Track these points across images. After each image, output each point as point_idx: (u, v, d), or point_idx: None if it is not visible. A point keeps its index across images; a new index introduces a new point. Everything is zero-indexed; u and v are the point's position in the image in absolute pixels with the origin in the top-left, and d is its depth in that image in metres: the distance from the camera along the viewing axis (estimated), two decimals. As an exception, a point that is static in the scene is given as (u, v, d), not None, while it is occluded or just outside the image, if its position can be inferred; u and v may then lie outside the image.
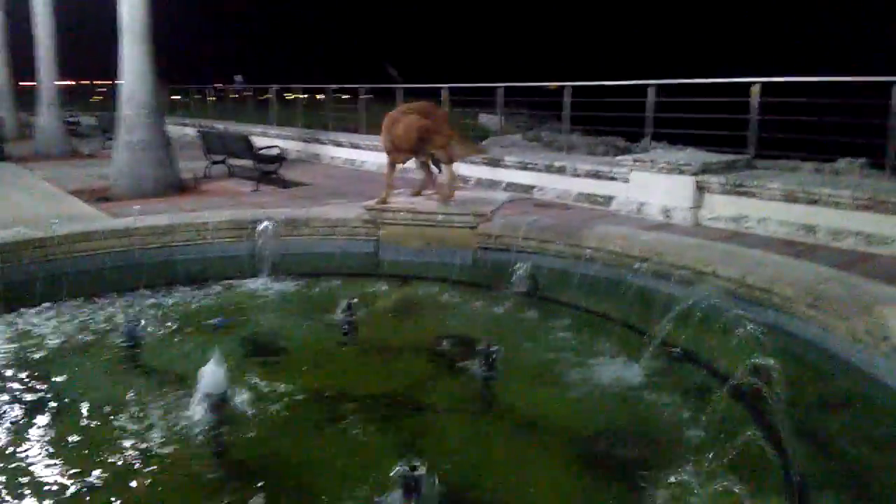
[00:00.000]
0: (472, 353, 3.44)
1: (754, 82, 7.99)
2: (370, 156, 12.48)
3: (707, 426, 2.78)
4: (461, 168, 10.66)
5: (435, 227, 5.16)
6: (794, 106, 8.02)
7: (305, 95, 18.50)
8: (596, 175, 8.43)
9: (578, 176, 8.64)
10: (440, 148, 5.35)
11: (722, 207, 7.24)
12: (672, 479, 2.40)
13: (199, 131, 12.02)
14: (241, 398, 3.01)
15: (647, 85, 9.01)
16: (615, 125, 10.02)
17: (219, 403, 2.86)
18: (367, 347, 3.84)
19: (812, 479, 2.46)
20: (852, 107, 7.59)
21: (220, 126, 15.96)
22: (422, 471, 2.14)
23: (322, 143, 13.97)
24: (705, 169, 7.41)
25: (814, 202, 6.62)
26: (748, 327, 3.26)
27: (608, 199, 8.17)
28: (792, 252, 6.08)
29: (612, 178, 8.22)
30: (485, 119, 15.40)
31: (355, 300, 4.08)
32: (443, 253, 5.09)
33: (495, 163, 9.66)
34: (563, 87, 10.45)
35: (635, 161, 7.78)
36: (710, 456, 2.49)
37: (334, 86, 15.86)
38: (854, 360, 3.31)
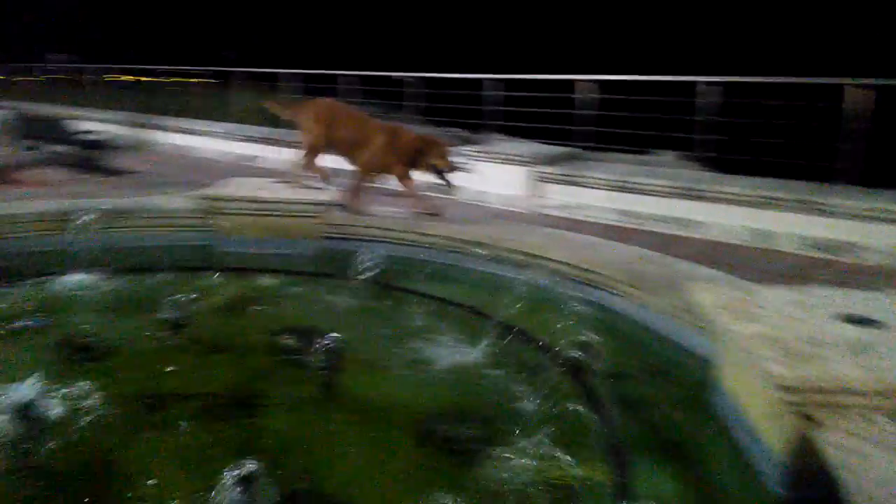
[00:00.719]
0: (313, 345, 3.37)
1: (594, 80, 8.53)
2: (205, 142, 11.86)
3: (539, 400, 2.92)
4: (286, 154, 10.43)
5: (276, 216, 4.99)
6: (625, 102, 8.67)
7: (143, 78, 17.19)
8: (440, 165, 8.58)
9: (424, 165, 8.76)
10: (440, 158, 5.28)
11: (557, 196, 7.67)
12: (505, 453, 2.50)
13: (10, 115, 10.77)
14: (55, 405, 2.73)
15: (484, 79, 9.33)
16: (460, 117, 10.26)
17: (25, 412, 2.58)
18: (201, 345, 3.63)
19: (630, 443, 2.67)
20: (671, 104, 8.33)
21: (44, 109, 14.38)
22: (255, 470, 2.05)
23: (155, 128, 13.06)
24: (542, 160, 7.81)
25: (636, 191, 7.21)
26: (576, 306, 3.49)
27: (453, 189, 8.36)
28: (618, 236, 6.59)
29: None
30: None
31: (188, 296, 3.84)
32: (284, 243, 4.94)
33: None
34: (407, 77, 10.54)
35: (477, 152, 8.02)
36: (539, 427, 2.62)
37: (167, 67, 14.89)
38: (667, 332, 3.65)
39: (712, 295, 2.91)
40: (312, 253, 4.92)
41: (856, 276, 5.47)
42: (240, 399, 3.02)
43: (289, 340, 3.61)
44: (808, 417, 2.20)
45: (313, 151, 5.47)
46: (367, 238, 4.84)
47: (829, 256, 5.92)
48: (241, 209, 5.03)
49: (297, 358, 3.38)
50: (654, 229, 7.01)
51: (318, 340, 3.28)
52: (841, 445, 2.00)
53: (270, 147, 10.88)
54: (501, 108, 9.65)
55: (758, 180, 6.85)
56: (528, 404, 2.94)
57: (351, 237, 4.90)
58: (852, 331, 2.47)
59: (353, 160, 5.38)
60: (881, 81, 6.67)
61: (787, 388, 2.15)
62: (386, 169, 5.36)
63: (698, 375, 3.17)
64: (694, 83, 7.79)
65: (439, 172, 5.30)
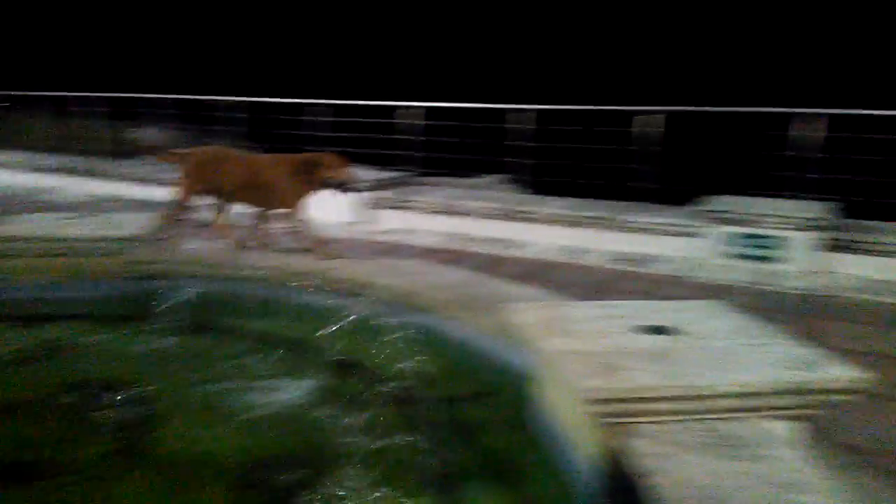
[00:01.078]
0: (115, 400, 3.03)
1: (419, 107, 8.68)
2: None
3: (366, 435, 2.84)
4: (89, 186, 9.57)
5: (72, 256, 4.48)
6: (453, 128, 8.93)
7: None
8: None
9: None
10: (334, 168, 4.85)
11: (390, 221, 7.69)
12: (330, 495, 2.38)
13: None
14: None
15: (306, 104, 9.21)
16: (283, 142, 9.98)
17: None
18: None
19: (458, 470, 2.66)
20: (492, 129, 8.71)
21: None
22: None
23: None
24: (376, 186, 7.80)
25: (464, 214, 7.41)
26: (404, 333, 3.46)
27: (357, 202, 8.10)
28: (448, 258, 6.71)
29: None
30: (146, 133, 14.11)
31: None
32: (82, 285, 4.44)
33: (147, 181, 8.94)
34: (240, 102, 10.15)
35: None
36: (366, 464, 2.54)
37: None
38: (496, 353, 3.72)
39: (530, 314, 3.00)
40: (115, 294, 4.46)
41: (654, 284, 6.00)
42: (26, 467, 2.63)
43: (86, 395, 3.22)
44: (618, 426, 2.32)
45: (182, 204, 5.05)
46: (177, 275, 4.48)
47: (630, 268, 6.46)
48: (30, 249, 4.46)
49: (97, 415, 3.02)
50: (480, 250, 7.24)
51: (121, 393, 2.96)
52: (648, 451, 2.12)
53: (69, 178, 9.92)
54: (328, 134, 9.55)
55: (570, 201, 7.34)
56: (356, 440, 2.85)
57: (158, 275, 4.50)
58: (650, 340, 2.65)
59: (252, 202, 5.02)
60: (669, 109, 7.44)
61: (597, 401, 2.25)
62: (285, 201, 4.88)
63: (522, 394, 3.26)
64: (504, 111, 8.22)
65: (338, 186, 4.86)
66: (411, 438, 2.82)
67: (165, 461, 2.77)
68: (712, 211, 6.19)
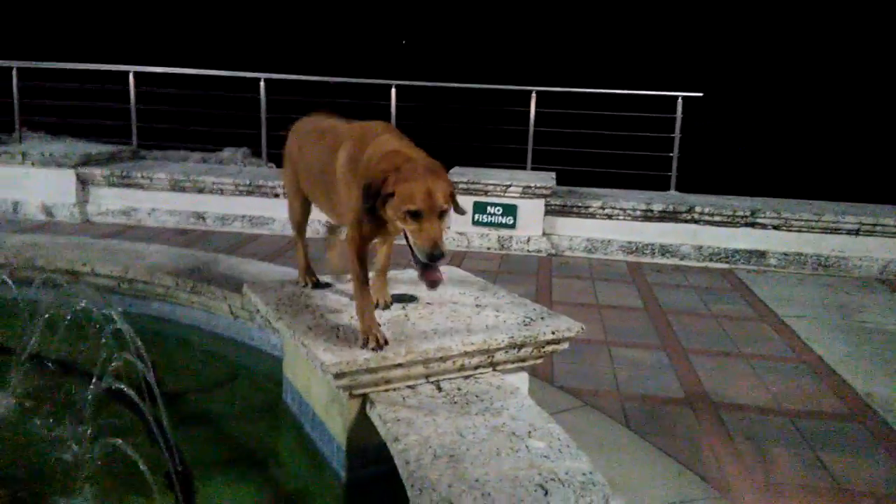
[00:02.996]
0: None
1: (128, 70, 7.78)
2: None
3: (87, 441, 2.48)
4: None
5: None
6: (176, 97, 8.17)
7: None
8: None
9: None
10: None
11: (109, 201, 6.86)
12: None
13: None
14: None
15: (7, 66, 7.83)
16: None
17: None
18: None
19: (200, 463, 2.45)
20: (235, 99, 8.16)
21: None
22: None
23: None
24: (87, 161, 6.88)
25: (201, 190, 6.88)
26: (130, 323, 3.07)
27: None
28: (184, 240, 6.20)
29: (-26, 174, 6.86)
30: None
31: None
32: None
33: None
34: None
35: (1, 154, 6.66)
36: (89, 474, 2.22)
37: None
38: (236, 336, 3.51)
39: (270, 294, 2.85)
40: None
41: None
42: None
43: None
44: (361, 397, 2.30)
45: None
46: None
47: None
48: None
49: None
50: (224, 229, 6.81)
51: None
52: (391, 417, 2.12)
53: None
54: (38, 101, 8.21)
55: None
56: (76, 448, 2.48)
57: None
58: (395, 308, 2.67)
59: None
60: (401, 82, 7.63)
61: (339, 374, 2.20)
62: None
63: (270, 376, 3.11)
64: (257, 80, 7.77)
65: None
66: (143, 438, 2.53)
67: None
68: (455, 182, 6.50)
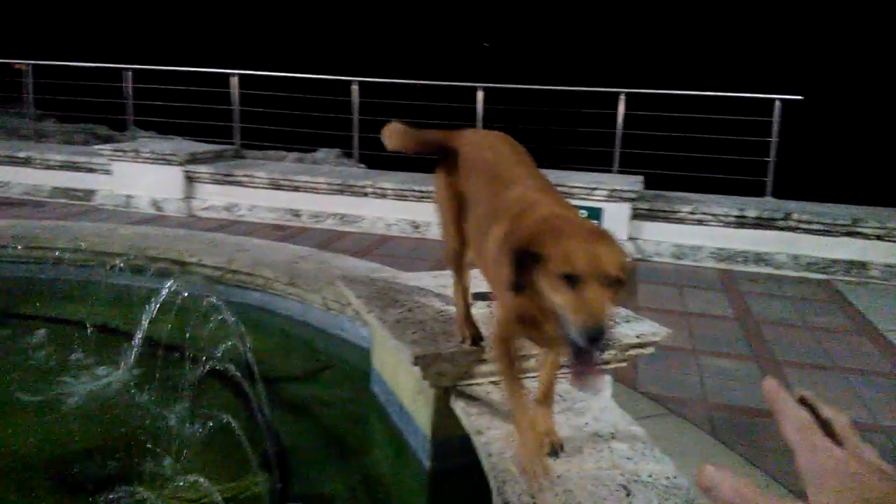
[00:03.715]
0: None
1: (233, 74, 8.22)
2: None
3: (193, 419, 2.69)
4: None
5: None
6: (275, 99, 8.56)
7: None
8: (73, 167, 7.51)
9: (51, 168, 7.57)
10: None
11: (213, 197, 7.28)
12: (153, 483, 2.23)
13: None
14: None
15: (123, 69, 8.42)
16: (95, 111, 9.08)
17: None
18: None
19: (294, 445, 2.61)
20: (326, 101, 8.48)
21: None
22: None
23: None
24: (194, 159, 7.32)
25: (296, 189, 7.20)
26: (232, 311, 3.29)
27: (90, 194, 7.38)
28: (281, 236, 6.50)
29: (92, 170, 7.45)
30: None
31: None
32: None
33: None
34: (26, 65, 9.00)
35: (116, 151, 7.19)
36: (192, 449, 2.40)
37: None
38: (328, 327, 3.67)
39: (362, 287, 2.98)
40: None
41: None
42: None
43: None
44: (446, 390, 2.38)
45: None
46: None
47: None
48: None
49: None
50: (317, 226, 7.10)
51: None
52: (476, 411, 2.19)
53: None
54: (148, 102, 8.81)
55: (409, 175, 7.37)
56: (181, 426, 2.68)
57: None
58: (480, 306, 2.74)
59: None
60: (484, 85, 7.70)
61: (425, 367, 2.29)
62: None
63: (359, 366, 3.25)
64: (349, 82, 8.05)
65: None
66: (242, 420, 2.71)
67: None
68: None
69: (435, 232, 6.76)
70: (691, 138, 7.30)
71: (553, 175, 6.71)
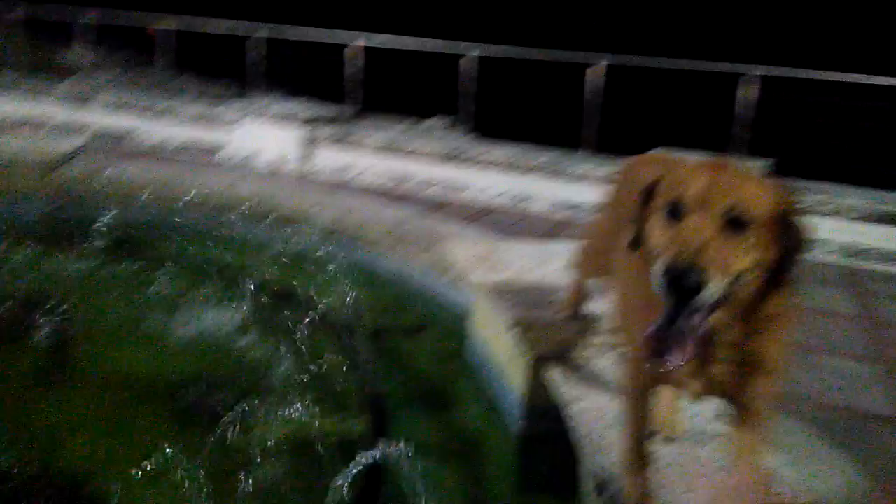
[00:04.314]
0: (38, 317, 2.93)
1: (353, 43, 8.41)
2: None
3: (298, 361, 2.84)
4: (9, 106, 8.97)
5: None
6: (396, 66, 8.72)
7: None
8: (204, 121, 7.99)
9: (184, 121, 8.09)
10: None
11: (329, 158, 7.54)
12: (259, 416, 2.38)
13: None
14: None
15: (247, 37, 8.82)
16: (224, 73, 9.60)
17: None
18: None
19: (391, 396, 2.70)
20: (438, 70, 8.55)
21: None
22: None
23: None
24: (313, 120, 7.60)
25: (407, 154, 7.33)
26: (340, 265, 3.43)
27: (217, 148, 7.84)
28: (388, 199, 6.66)
29: (222, 126, 7.90)
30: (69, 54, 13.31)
31: None
32: (4, 201, 4.22)
33: (80, 101, 8.46)
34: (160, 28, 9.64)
35: (244, 109, 7.58)
36: (296, 388, 2.54)
37: None
38: (429, 288, 3.75)
39: (467, 250, 3.02)
40: (41, 213, 4.26)
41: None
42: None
43: (8, 312, 3.10)
44: (543, 357, 2.38)
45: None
46: (107, 199, 4.30)
47: (577, 217, 6.54)
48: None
49: (19, 331, 2.92)
50: (425, 192, 7.21)
51: (48, 311, 2.87)
52: (566, 382, 2.18)
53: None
54: (269, 64, 9.21)
55: (517, 146, 7.33)
56: (287, 366, 2.84)
57: (88, 197, 4.33)
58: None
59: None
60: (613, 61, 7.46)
61: (525, 330, 2.30)
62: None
63: (455, 326, 3.30)
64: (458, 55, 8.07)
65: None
66: (344, 366, 2.83)
67: (91, 379, 2.71)
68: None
69: (540, 207, 6.70)
70: (828, 124, 6.78)
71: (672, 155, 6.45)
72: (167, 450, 1.65)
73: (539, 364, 2.39)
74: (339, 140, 7.52)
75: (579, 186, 6.68)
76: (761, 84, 6.87)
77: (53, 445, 2.27)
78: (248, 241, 4.17)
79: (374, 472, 2.06)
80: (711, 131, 7.42)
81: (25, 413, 2.47)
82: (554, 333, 2.31)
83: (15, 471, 1.98)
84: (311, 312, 3.21)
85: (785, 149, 6.86)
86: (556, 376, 2.25)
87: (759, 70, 6.87)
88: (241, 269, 3.76)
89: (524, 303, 2.41)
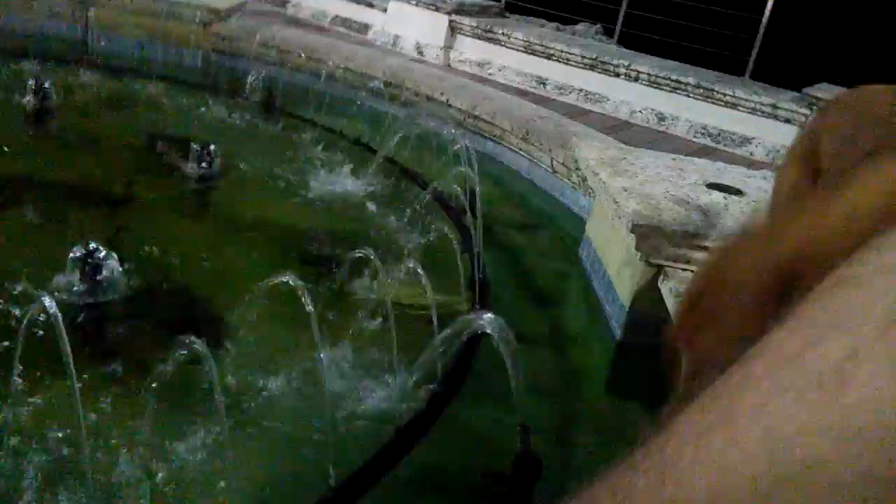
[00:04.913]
0: (190, 154, 3.20)
1: None
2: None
3: (413, 234, 2.95)
4: None
5: (158, 18, 4.53)
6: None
7: None
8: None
9: (336, -3, 8.20)
10: None
11: (470, 51, 7.43)
12: (373, 274, 2.52)
13: None
14: None
15: None
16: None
17: None
18: (64, 137, 3.37)
19: (497, 281, 2.77)
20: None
21: None
22: (103, 253, 1.97)
23: None
24: (460, 9, 7.46)
25: (549, 56, 7.08)
26: (466, 152, 3.46)
27: (365, 27, 7.92)
28: (524, 99, 6.54)
29: (372, 5, 7.94)
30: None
31: (49, 83, 3.49)
32: (168, 49, 4.54)
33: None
34: None
35: (394, -11, 7.56)
36: (409, 257, 2.65)
37: None
38: (550, 189, 3.73)
39: (596, 152, 2.95)
40: (198, 64, 4.55)
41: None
42: (104, 193, 2.86)
43: (164, 146, 3.40)
44: (657, 266, 2.35)
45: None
46: (260, 58, 4.52)
47: (715, 145, 6.17)
48: (120, 5, 4.54)
49: (172, 164, 3.21)
50: (561, 98, 7.00)
51: (196, 149, 3.12)
52: (679, 295, 2.15)
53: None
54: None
55: (666, 62, 6.89)
56: (402, 236, 2.97)
57: (243, 54, 4.55)
58: (715, 196, 2.60)
59: None
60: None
61: (642, 237, 2.26)
62: None
63: (571, 231, 3.29)
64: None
65: None
66: (456, 247, 2.90)
67: (228, 215, 2.97)
68: (819, 99, 5.73)
69: (680, 129, 6.35)
70: None
71: (835, 93, 5.87)
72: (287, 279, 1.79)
73: (651, 274, 2.36)
74: (482, 34, 7.38)
75: (728, 113, 6.24)
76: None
77: (181, 267, 2.51)
78: (380, 115, 4.27)
79: (471, 343, 2.15)
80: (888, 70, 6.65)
81: (167, 235, 2.73)
82: (674, 242, 2.26)
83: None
84: (429, 191, 3.29)
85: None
86: (669, 288, 2.22)
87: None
88: (370, 141, 3.88)
89: (648, 208, 2.35)
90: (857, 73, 6.55)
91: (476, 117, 4.10)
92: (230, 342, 2.08)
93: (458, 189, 3.09)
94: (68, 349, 1.41)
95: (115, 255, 2.13)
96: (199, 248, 2.65)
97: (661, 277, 2.32)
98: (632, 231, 2.29)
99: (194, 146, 3.14)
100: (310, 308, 1.71)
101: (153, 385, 1.50)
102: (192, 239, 2.73)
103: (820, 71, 6.54)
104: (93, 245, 2.00)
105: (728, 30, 7.16)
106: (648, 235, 2.26)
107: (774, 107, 6.01)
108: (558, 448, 2.00)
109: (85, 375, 1.70)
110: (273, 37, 4.74)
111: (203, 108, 4.04)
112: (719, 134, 6.21)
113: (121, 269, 2.15)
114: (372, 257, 2.34)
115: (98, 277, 1.98)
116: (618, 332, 2.50)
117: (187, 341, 1.46)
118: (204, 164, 3.12)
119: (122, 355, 1.96)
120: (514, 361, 1.89)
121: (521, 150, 3.89)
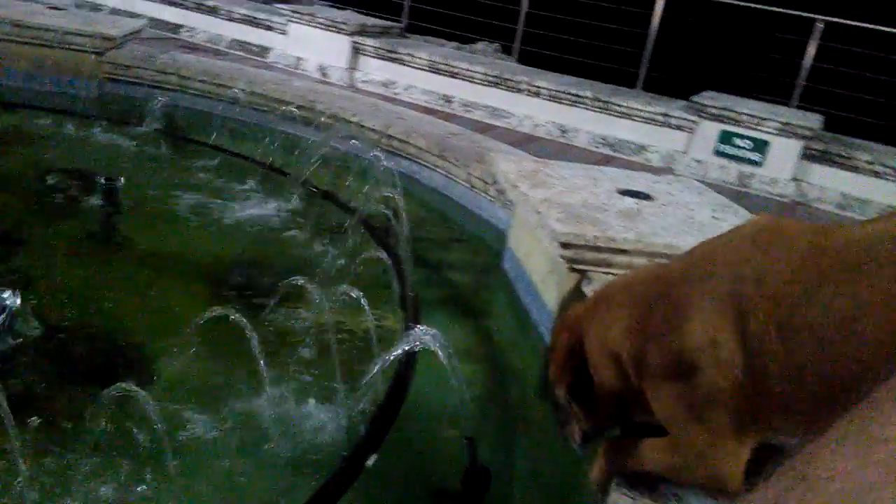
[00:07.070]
0: (89, 188, 3.04)
1: None
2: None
3: (337, 258, 2.92)
4: None
5: (48, 47, 4.30)
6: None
7: None
8: (252, 22, 7.93)
9: (233, 20, 8.04)
10: None
11: (374, 71, 7.47)
12: (299, 302, 2.48)
13: None
14: None
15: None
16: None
17: None
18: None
19: (425, 298, 2.78)
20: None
21: None
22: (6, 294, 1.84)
23: None
24: (362, 31, 7.50)
25: (453, 75, 7.22)
26: (383, 172, 3.47)
27: (265, 50, 7.80)
28: (433, 117, 6.62)
29: (270, 28, 7.84)
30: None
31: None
32: (59, 80, 4.30)
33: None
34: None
35: (294, 13, 7.49)
36: (335, 282, 2.63)
37: None
38: (468, 204, 3.79)
39: (514, 165, 3.03)
40: (91, 94, 4.34)
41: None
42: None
43: (60, 181, 3.21)
44: (581, 272, 2.43)
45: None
46: (159, 85, 4.36)
47: (618, 155, 6.47)
48: (6, 35, 4.26)
49: (70, 199, 3.03)
50: (467, 115, 7.15)
51: (96, 182, 2.97)
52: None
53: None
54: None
55: (564, 77, 7.18)
56: (326, 261, 2.93)
57: (140, 82, 4.38)
58: (628, 201, 2.72)
59: None
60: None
61: (565, 245, 2.34)
62: None
63: (492, 244, 3.35)
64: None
65: None
66: (382, 268, 2.90)
67: (136, 250, 2.83)
68: (706, 106, 6.13)
69: (581, 140, 6.62)
70: (887, 81, 6.53)
71: (723, 98, 6.30)
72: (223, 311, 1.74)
73: (575, 280, 2.44)
74: (385, 54, 7.43)
75: (623, 124, 6.57)
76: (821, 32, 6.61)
77: (94, 306, 2.38)
78: (289, 139, 4.21)
79: (409, 360, 2.15)
80: (764, 77, 7.21)
81: (71, 275, 2.58)
82: (597, 249, 2.35)
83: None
84: (352, 214, 3.28)
85: (837, 104, 6.66)
86: (592, 292, 2.30)
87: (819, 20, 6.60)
88: (282, 166, 3.82)
89: (569, 217, 2.44)
90: (736, 79, 7.05)
91: (390, 136, 4.11)
92: (160, 381, 1.99)
93: (383, 209, 3.10)
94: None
95: (18, 296, 1.99)
96: (112, 286, 2.52)
97: (586, 282, 2.41)
98: (555, 239, 2.36)
99: (98, 179, 2.98)
100: (252, 337, 1.65)
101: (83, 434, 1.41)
102: (102, 278, 2.59)
103: (703, 79, 7.00)
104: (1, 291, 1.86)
105: (619, 44, 7.55)
106: (571, 243, 2.34)
107: (666, 115, 6.40)
108: (503, 456, 2.03)
109: None
110: (173, 62, 4.58)
111: (99, 139, 3.85)
112: (617, 143, 6.52)
113: (27, 311, 2.02)
114: (301, 283, 2.30)
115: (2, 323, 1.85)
116: (548, 337, 2.56)
117: (120, 387, 1.38)
118: (106, 198, 2.98)
119: (36, 404, 1.83)
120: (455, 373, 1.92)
121: (437, 167, 3.93)
